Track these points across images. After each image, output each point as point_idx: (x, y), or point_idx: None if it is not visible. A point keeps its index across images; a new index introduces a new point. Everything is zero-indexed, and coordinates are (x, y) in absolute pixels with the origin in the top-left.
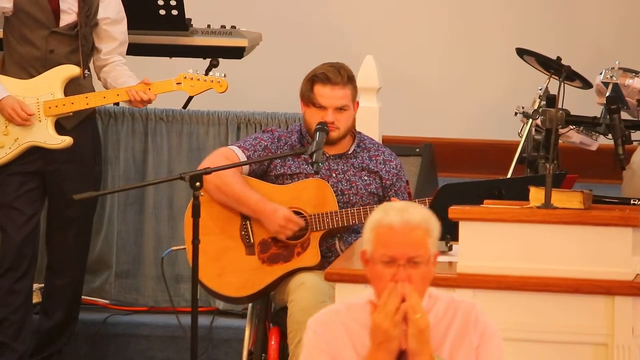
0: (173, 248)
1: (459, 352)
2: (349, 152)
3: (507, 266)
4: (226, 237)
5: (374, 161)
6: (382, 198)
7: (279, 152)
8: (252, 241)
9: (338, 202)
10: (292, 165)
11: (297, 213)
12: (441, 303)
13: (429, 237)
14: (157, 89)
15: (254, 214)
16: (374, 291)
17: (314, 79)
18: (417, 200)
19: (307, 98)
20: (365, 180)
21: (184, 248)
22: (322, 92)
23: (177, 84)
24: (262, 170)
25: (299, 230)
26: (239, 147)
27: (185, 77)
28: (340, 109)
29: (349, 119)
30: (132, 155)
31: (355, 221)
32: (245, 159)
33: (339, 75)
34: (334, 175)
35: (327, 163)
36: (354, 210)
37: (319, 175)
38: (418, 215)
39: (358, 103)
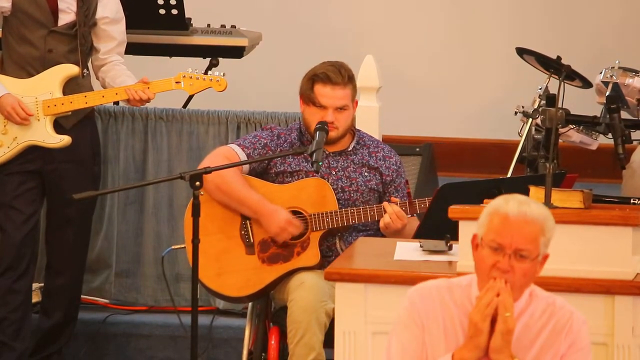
0: (173, 247)
1: (545, 357)
2: (349, 149)
3: None
4: (226, 237)
5: (374, 157)
6: (382, 194)
7: (278, 149)
8: (252, 241)
9: (339, 199)
10: (292, 163)
11: (297, 212)
12: (540, 303)
13: (542, 235)
14: (156, 87)
15: (254, 215)
16: (477, 274)
17: (314, 78)
18: (417, 200)
19: (307, 97)
20: (366, 176)
21: (184, 247)
22: (323, 92)
23: (176, 82)
24: (262, 168)
25: (295, 238)
26: (238, 145)
27: (185, 76)
28: (340, 108)
29: (348, 118)
30: (132, 154)
31: (355, 221)
32: (245, 157)
33: (339, 75)
34: (333, 172)
35: (326, 161)
36: (353, 210)
37: (319, 173)
38: (537, 211)
39: (357, 102)
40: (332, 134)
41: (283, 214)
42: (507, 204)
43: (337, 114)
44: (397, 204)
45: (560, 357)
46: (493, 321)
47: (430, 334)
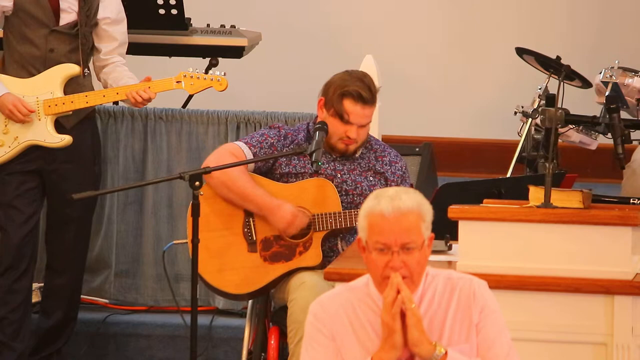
0: (175, 242)
1: (461, 330)
2: (356, 153)
3: (507, 265)
4: (228, 234)
5: (380, 162)
6: None
7: (284, 150)
8: (254, 238)
9: (342, 202)
10: (297, 165)
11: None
12: (438, 281)
13: (422, 221)
14: (156, 87)
15: (260, 211)
16: (372, 278)
17: (345, 93)
18: None
19: (335, 110)
20: (371, 181)
21: (186, 242)
22: (353, 110)
23: (177, 82)
24: (266, 168)
25: (303, 229)
26: (245, 143)
27: (185, 76)
28: (364, 125)
29: (367, 132)
30: (131, 154)
31: None
32: (252, 156)
33: (370, 93)
34: (338, 175)
35: (332, 163)
36: (357, 211)
37: (324, 175)
38: (409, 201)
39: None
40: (351, 147)
41: (288, 208)
42: (380, 203)
43: (360, 129)
44: None
45: (475, 326)
46: (402, 317)
47: (342, 341)
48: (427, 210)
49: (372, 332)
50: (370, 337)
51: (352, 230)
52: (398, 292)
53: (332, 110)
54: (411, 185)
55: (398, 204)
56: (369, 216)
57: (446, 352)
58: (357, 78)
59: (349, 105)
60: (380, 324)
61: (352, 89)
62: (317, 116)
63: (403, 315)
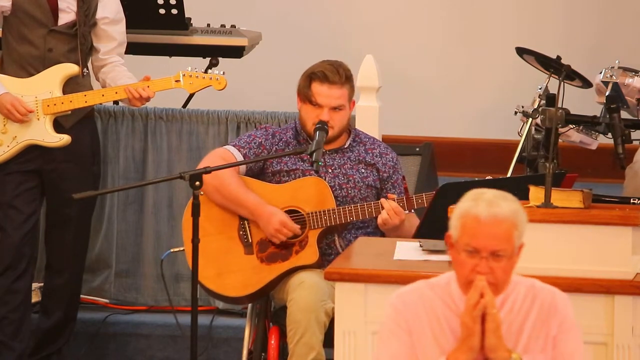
0: (172, 250)
1: (537, 340)
2: (345, 147)
3: None
4: (224, 237)
5: (370, 154)
6: (379, 191)
7: (273, 148)
8: (250, 241)
9: (336, 196)
10: (288, 162)
11: (295, 211)
12: (521, 288)
13: (516, 230)
14: (156, 86)
15: (251, 216)
16: (456, 276)
17: (312, 76)
18: (414, 195)
19: (304, 95)
20: (363, 173)
21: (183, 249)
22: (319, 91)
23: (176, 81)
24: (258, 167)
25: (293, 237)
26: (234, 146)
27: (184, 75)
28: (336, 108)
29: (344, 118)
30: (131, 154)
31: (353, 218)
32: (242, 158)
33: (337, 74)
34: (330, 170)
35: (323, 159)
36: (351, 207)
37: (317, 174)
38: (507, 208)
39: (354, 102)
40: (327, 133)
41: (278, 216)
42: (477, 206)
43: (333, 113)
44: (394, 200)
45: (552, 339)
46: (482, 320)
47: (418, 337)
48: (522, 219)
49: (449, 330)
50: (446, 336)
51: (350, 227)
52: (482, 295)
53: (303, 96)
54: (403, 177)
55: (495, 211)
56: (464, 217)
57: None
58: (326, 62)
59: (315, 87)
60: (457, 324)
61: (317, 70)
62: None
63: (483, 319)
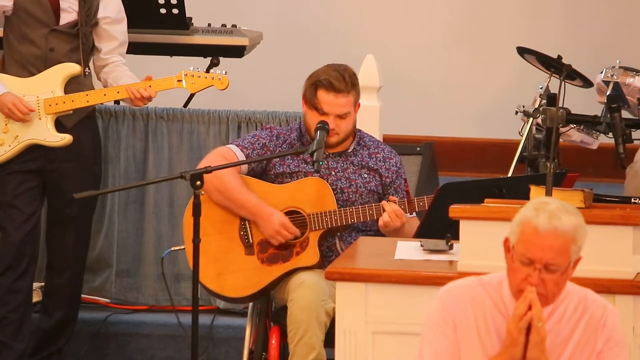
0: (173, 248)
1: (582, 353)
2: (349, 151)
3: None
4: (225, 238)
5: (374, 159)
6: (381, 196)
7: (277, 150)
8: (251, 241)
9: (337, 200)
10: (291, 164)
11: (296, 212)
12: (572, 299)
13: (574, 244)
14: (157, 86)
15: (252, 217)
16: (509, 283)
17: (318, 84)
18: (415, 198)
19: (311, 102)
20: (365, 178)
21: (184, 248)
22: (326, 99)
23: (178, 81)
24: (261, 168)
25: (294, 238)
26: (237, 145)
27: (186, 75)
28: (342, 116)
29: (349, 124)
30: (132, 154)
31: (354, 220)
32: (244, 158)
33: (343, 81)
34: (333, 173)
35: (326, 161)
36: (352, 209)
37: (318, 174)
38: (568, 222)
39: (359, 104)
40: (332, 139)
41: (278, 218)
42: (539, 216)
43: (339, 120)
44: (395, 203)
45: (597, 354)
46: (527, 331)
47: (462, 333)
48: (582, 234)
49: (494, 333)
50: (491, 337)
51: (350, 229)
52: (530, 307)
53: (309, 102)
54: (405, 180)
55: (555, 224)
56: (524, 225)
57: None
58: (333, 69)
59: (322, 95)
60: (504, 327)
61: (323, 79)
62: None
63: (528, 330)
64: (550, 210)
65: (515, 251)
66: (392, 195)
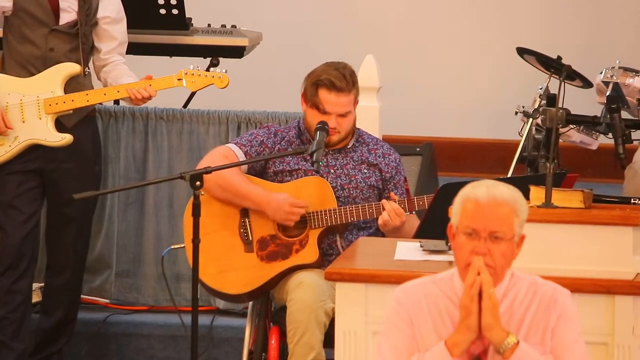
0: (172, 246)
1: (536, 333)
2: (348, 147)
3: None
4: (225, 235)
5: (373, 154)
6: (381, 191)
7: (276, 147)
8: (250, 239)
9: (338, 197)
10: (290, 162)
11: None
12: (522, 284)
13: (515, 216)
14: (157, 85)
15: (258, 207)
16: (456, 263)
17: (318, 83)
18: (415, 197)
19: (312, 101)
20: (365, 173)
21: (183, 246)
22: (327, 99)
23: (178, 80)
24: (260, 166)
25: (295, 236)
26: (235, 144)
27: (186, 73)
28: (343, 115)
29: (350, 122)
30: (132, 154)
31: (354, 218)
32: (243, 155)
33: (344, 80)
34: (332, 170)
35: (325, 159)
36: (352, 207)
37: (318, 174)
38: (506, 192)
39: (357, 101)
40: (334, 138)
41: (285, 198)
42: (476, 189)
43: (340, 119)
44: (395, 201)
45: (551, 330)
46: (480, 301)
47: (419, 328)
48: (522, 207)
49: (450, 323)
50: (447, 327)
51: (351, 228)
52: (478, 274)
53: (309, 101)
54: (405, 178)
55: (494, 193)
56: (464, 202)
57: (517, 342)
58: (333, 67)
59: (323, 94)
60: (458, 315)
61: (324, 78)
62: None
63: (480, 300)
64: (487, 183)
65: (459, 228)
66: (392, 190)
